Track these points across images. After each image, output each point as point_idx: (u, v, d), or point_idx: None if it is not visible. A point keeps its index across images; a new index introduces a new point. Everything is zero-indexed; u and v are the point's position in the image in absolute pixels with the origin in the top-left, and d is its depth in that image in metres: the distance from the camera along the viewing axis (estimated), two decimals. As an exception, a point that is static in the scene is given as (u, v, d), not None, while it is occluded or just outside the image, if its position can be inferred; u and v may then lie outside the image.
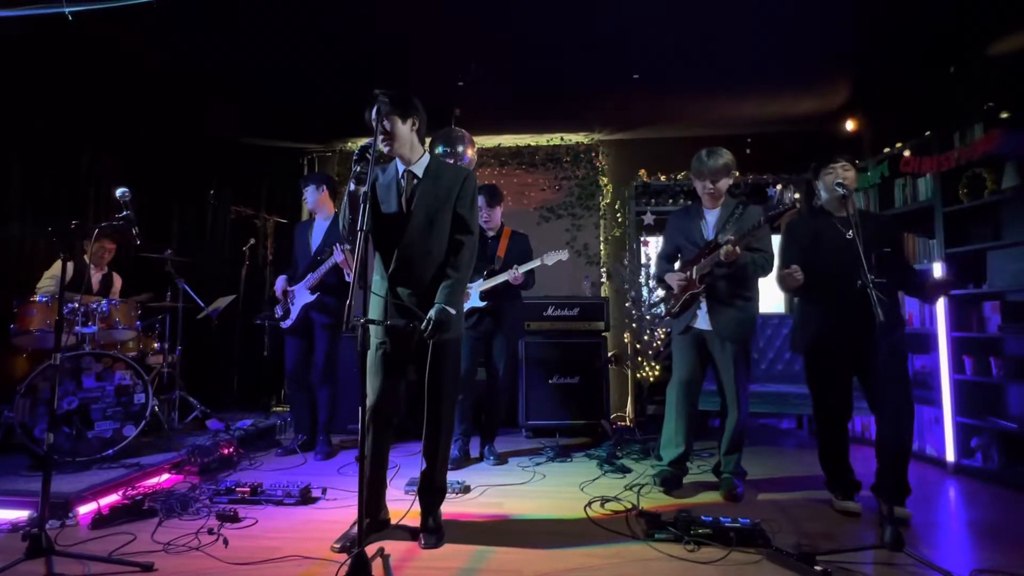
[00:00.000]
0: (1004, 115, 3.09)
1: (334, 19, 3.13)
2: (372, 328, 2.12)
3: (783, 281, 2.51)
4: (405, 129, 2.17)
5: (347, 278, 3.34)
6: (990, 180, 3.22)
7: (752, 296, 2.73)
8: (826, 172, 2.52)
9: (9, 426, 3.01)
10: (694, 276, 2.69)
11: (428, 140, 3.99)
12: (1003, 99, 3.14)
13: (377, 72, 3.73)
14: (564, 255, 3.42)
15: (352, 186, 2.01)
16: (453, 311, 2.11)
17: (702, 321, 2.72)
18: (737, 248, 2.48)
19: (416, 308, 2.14)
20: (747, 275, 2.67)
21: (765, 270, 2.66)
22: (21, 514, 2.40)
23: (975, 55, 3.35)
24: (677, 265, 2.92)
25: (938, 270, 3.36)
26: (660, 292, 4.14)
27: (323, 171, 5.13)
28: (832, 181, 2.47)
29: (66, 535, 2.23)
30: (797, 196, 4.49)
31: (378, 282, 2.23)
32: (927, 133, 3.54)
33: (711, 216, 2.77)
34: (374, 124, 2.09)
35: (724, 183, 2.71)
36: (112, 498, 2.56)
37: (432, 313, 2.07)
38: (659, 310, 4.11)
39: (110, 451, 2.99)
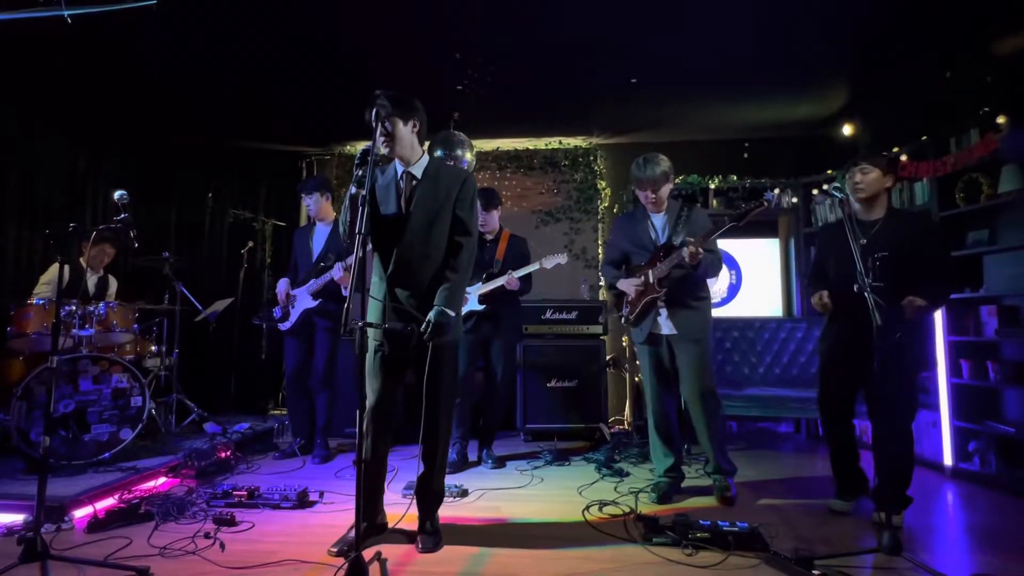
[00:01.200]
0: (1000, 120, 3.11)
1: (333, 22, 3.14)
2: (370, 331, 2.12)
3: (815, 306, 2.53)
4: (406, 131, 2.17)
5: (344, 293, 3.34)
6: (986, 185, 3.24)
7: (707, 296, 2.76)
8: (847, 176, 2.51)
9: (5, 429, 3.00)
10: (652, 280, 2.67)
11: (427, 143, 4.00)
12: (999, 104, 3.16)
13: (375, 76, 3.74)
14: (563, 258, 3.42)
15: (353, 189, 2.01)
16: (452, 313, 2.11)
17: (665, 326, 2.71)
18: (700, 250, 2.47)
19: (415, 310, 2.14)
20: (700, 276, 2.68)
21: (716, 269, 2.69)
22: (16, 518, 2.39)
23: (971, 61, 3.37)
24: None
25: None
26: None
27: (321, 174, 5.13)
28: (850, 186, 2.47)
29: (61, 539, 2.22)
30: (795, 200, 4.51)
31: (377, 284, 2.23)
32: (923, 138, 3.56)
33: (658, 220, 2.77)
34: (374, 125, 2.09)
35: (665, 190, 2.70)
36: (108, 502, 2.55)
37: (431, 315, 2.07)
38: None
39: (106, 454, 2.98)
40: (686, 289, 2.68)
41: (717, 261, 2.68)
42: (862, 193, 2.46)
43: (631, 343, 4.65)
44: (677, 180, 4.71)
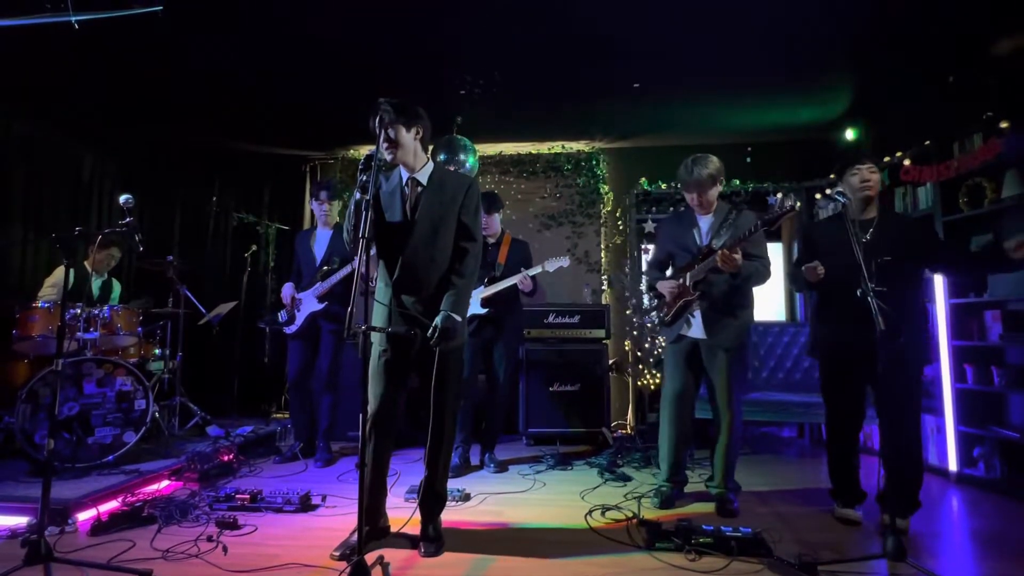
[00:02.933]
0: (1003, 125, 3.11)
1: (336, 27, 3.16)
2: (374, 335, 2.13)
3: (806, 275, 2.44)
4: (409, 137, 2.18)
5: None
6: (990, 189, 3.23)
7: (748, 304, 2.65)
8: (851, 173, 2.47)
9: (9, 432, 3.01)
10: (687, 283, 2.63)
11: (431, 148, 4.01)
12: (1002, 109, 3.16)
13: (379, 80, 3.76)
14: (565, 261, 3.42)
15: (358, 195, 2.02)
16: (459, 318, 2.11)
17: (696, 330, 2.65)
18: (736, 255, 2.40)
19: (420, 316, 2.14)
20: (744, 283, 2.60)
21: (764, 277, 2.60)
22: (20, 520, 2.40)
23: (974, 65, 3.37)
24: (669, 272, 2.86)
25: (939, 280, 3.36)
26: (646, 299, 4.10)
27: (324, 178, 5.15)
28: (857, 182, 2.44)
29: (65, 542, 2.23)
30: (798, 204, 4.50)
31: (382, 289, 2.24)
32: (927, 142, 3.55)
33: (704, 222, 2.69)
34: (378, 132, 2.10)
35: (713, 193, 2.62)
36: (111, 504, 2.56)
37: (438, 320, 2.08)
38: (653, 317, 4.04)
39: (110, 457, 2.99)
40: (725, 295, 2.59)
41: (764, 269, 2.57)
42: (870, 191, 2.43)
43: (634, 347, 4.65)
44: (676, 184, 4.71)
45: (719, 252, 2.42)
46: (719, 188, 2.65)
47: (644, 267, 4.60)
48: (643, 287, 4.48)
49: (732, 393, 2.61)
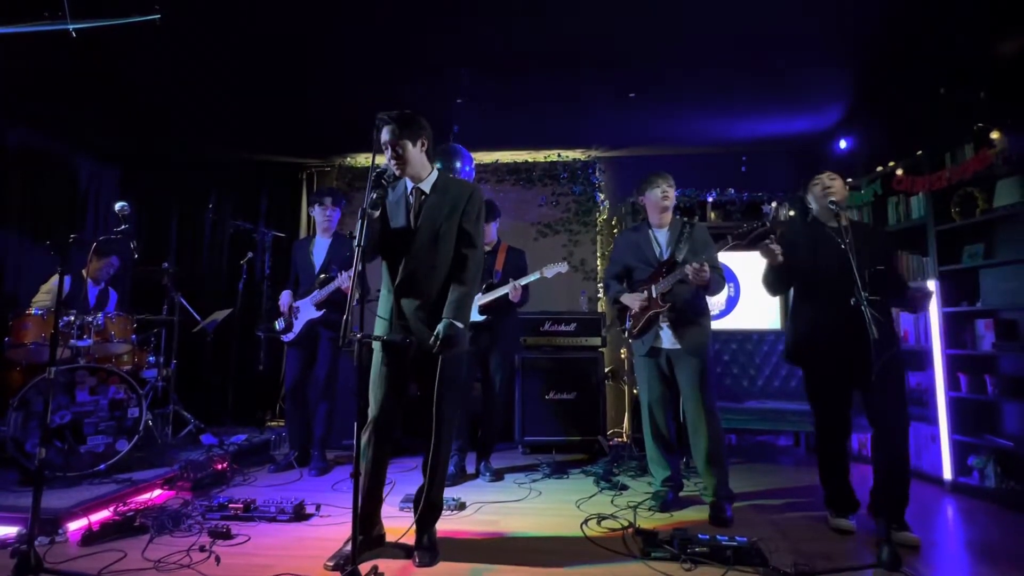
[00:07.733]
0: (994, 135, 3.14)
1: (334, 37, 3.18)
2: (375, 343, 2.14)
3: (761, 253, 2.53)
4: (416, 151, 2.20)
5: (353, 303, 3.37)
6: (981, 199, 3.26)
7: (707, 310, 2.80)
8: (813, 183, 2.59)
9: (1, 440, 2.98)
10: (655, 295, 2.72)
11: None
12: (992, 120, 3.20)
13: (375, 88, 3.78)
14: (564, 267, 3.43)
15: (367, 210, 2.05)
16: (460, 325, 2.12)
17: (666, 340, 2.75)
18: (705, 270, 2.53)
19: (422, 322, 2.15)
20: (704, 291, 2.73)
21: (720, 286, 2.74)
22: (10, 530, 2.37)
23: (965, 77, 3.41)
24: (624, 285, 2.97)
25: (931, 287, 3.38)
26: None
27: (321, 186, 5.16)
28: (819, 191, 2.54)
29: (55, 552, 2.21)
30: (792, 213, 4.54)
31: (384, 296, 2.26)
32: (919, 153, 3.59)
33: (661, 236, 2.84)
34: (384, 149, 2.15)
35: (673, 194, 2.82)
36: (103, 514, 2.53)
37: (440, 328, 2.08)
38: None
39: (102, 466, 2.96)
40: (689, 305, 2.72)
41: (721, 279, 2.72)
42: (834, 196, 2.48)
43: (630, 355, 4.65)
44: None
45: (690, 267, 2.54)
46: (674, 198, 2.87)
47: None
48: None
49: (708, 398, 2.70)
